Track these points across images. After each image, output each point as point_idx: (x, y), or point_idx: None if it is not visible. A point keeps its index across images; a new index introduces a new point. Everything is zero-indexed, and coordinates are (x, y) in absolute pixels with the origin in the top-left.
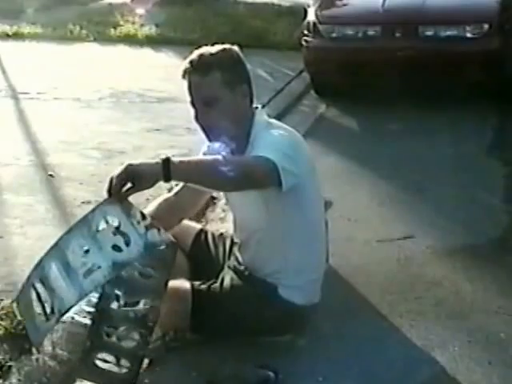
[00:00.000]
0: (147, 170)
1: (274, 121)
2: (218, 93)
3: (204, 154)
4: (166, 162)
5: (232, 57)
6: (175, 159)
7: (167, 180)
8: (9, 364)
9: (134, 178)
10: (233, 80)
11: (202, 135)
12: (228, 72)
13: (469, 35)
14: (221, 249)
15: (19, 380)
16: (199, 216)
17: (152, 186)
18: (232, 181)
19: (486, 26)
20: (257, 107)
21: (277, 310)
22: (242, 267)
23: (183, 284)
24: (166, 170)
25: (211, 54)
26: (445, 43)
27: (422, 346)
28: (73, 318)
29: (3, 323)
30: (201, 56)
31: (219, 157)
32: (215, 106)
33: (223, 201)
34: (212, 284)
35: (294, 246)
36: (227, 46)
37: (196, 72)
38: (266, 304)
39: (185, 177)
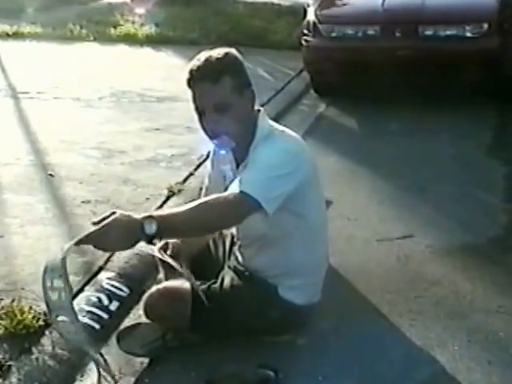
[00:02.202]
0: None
1: (276, 126)
2: (229, 99)
3: (212, 160)
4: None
5: (236, 60)
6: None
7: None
8: (9, 363)
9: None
10: (241, 84)
11: (205, 137)
12: (237, 76)
13: (468, 35)
14: (221, 248)
15: (19, 379)
16: None
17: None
18: (214, 227)
19: (486, 26)
20: (259, 110)
21: (277, 310)
22: (243, 267)
23: (183, 284)
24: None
25: (218, 59)
26: (444, 43)
27: (422, 345)
28: None
29: (3, 322)
30: (207, 62)
31: (195, 207)
32: (226, 113)
33: None
34: (212, 284)
35: (295, 250)
36: (227, 49)
37: (206, 79)
38: (266, 304)
39: (167, 236)
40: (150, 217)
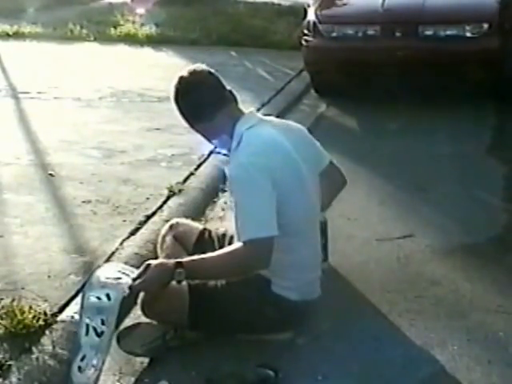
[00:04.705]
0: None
1: (250, 130)
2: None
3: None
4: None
5: (185, 86)
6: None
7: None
8: (9, 363)
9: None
10: (184, 110)
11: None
12: (182, 103)
13: (468, 35)
14: (218, 247)
15: (19, 379)
16: (200, 215)
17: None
18: (238, 275)
19: (486, 26)
20: (242, 114)
21: (272, 305)
22: None
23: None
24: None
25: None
26: (444, 43)
27: (422, 344)
28: (72, 317)
29: (3, 322)
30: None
31: (220, 257)
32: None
33: (222, 200)
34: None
35: (275, 252)
36: (187, 71)
37: None
38: (262, 300)
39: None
40: (180, 265)
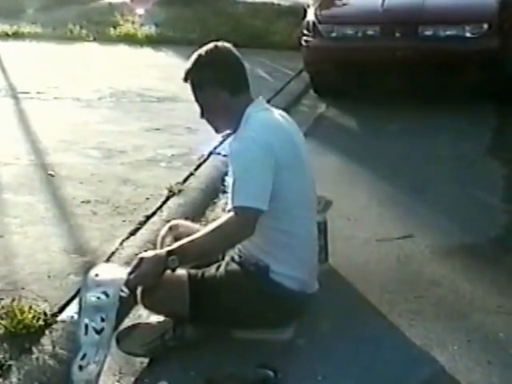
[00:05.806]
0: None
1: (258, 112)
2: (198, 97)
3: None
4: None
5: (201, 58)
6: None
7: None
8: (9, 363)
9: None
10: (201, 82)
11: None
12: (198, 75)
13: (468, 35)
14: None
15: (19, 379)
16: (199, 216)
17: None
18: (231, 245)
19: (486, 26)
20: (252, 100)
21: (270, 292)
22: (237, 252)
23: (179, 271)
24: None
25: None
26: (444, 43)
27: (422, 345)
28: (72, 317)
29: (3, 322)
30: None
31: (209, 234)
32: (205, 110)
33: (223, 201)
34: (208, 270)
35: (270, 231)
36: (204, 49)
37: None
38: (260, 286)
39: (189, 264)
40: (172, 252)
